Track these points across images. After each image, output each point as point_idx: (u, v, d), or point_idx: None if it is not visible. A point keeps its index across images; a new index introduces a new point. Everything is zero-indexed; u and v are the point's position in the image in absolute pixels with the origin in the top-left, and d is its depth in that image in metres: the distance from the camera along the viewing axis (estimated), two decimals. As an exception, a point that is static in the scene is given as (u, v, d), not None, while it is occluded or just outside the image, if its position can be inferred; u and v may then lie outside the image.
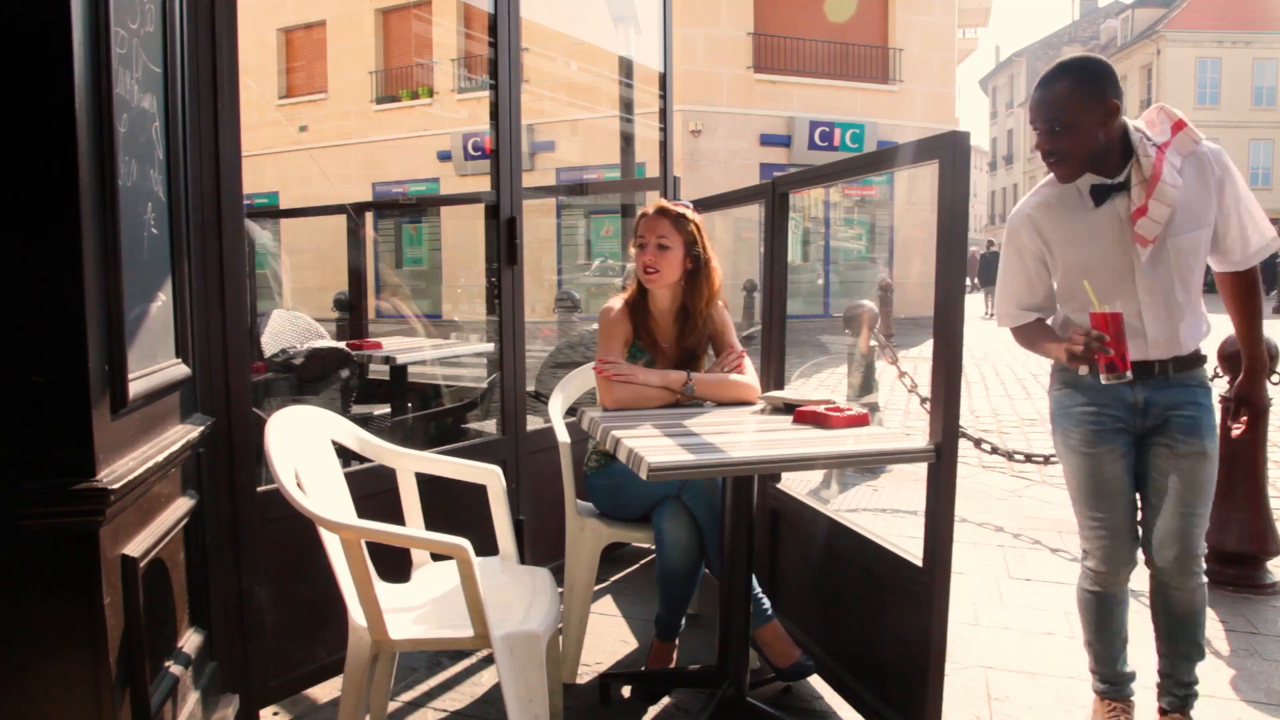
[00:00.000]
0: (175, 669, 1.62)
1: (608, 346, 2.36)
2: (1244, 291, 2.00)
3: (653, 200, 2.53)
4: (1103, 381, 1.86)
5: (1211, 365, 2.36)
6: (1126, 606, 2.11)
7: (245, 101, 1.95)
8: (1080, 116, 1.86)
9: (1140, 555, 2.05)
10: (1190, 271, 1.92)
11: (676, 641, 2.42)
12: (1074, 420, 2.03)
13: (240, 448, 2.01)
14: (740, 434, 1.96)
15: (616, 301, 2.46)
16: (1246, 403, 2.08)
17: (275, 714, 2.21)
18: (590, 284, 14.48)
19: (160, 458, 1.49)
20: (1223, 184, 1.91)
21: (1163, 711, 2.09)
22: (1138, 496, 2.04)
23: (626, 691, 2.36)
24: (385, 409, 4.27)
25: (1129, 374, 1.84)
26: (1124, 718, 2.09)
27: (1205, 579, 2.01)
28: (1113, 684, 2.12)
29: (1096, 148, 1.89)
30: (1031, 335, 2.09)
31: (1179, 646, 2.05)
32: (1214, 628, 2.77)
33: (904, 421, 6.79)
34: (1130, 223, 1.90)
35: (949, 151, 1.77)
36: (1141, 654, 2.18)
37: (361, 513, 2.01)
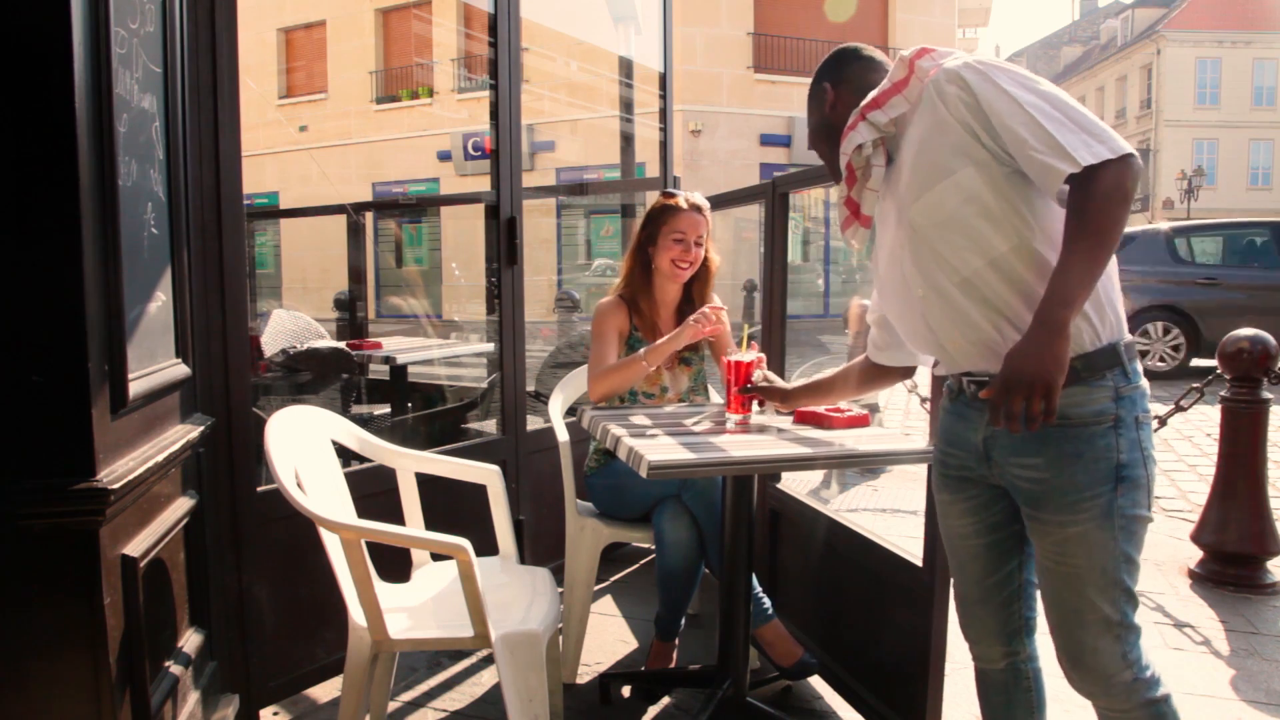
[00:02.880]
0: (175, 669, 1.61)
1: (601, 341, 2.40)
2: (1068, 217, 1.29)
3: (657, 195, 2.54)
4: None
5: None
6: (1029, 694, 1.65)
7: (245, 101, 1.95)
8: (811, 113, 1.64)
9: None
10: (952, 246, 1.37)
11: (676, 641, 2.42)
12: (935, 453, 1.63)
13: (240, 448, 2.01)
14: (740, 434, 1.96)
15: (610, 296, 2.49)
16: (1004, 379, 1.27)
17: (275, 714, 2.21)
18: (590, 284, 14.48)
19: (160, 458, 1.48)
20: (966, 99, 1.33)
21: None
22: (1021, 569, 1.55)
23: (626, 691, 2.36)
24: (385, 409, 4.27)
25: (743, 418, 1.98)
26: None
27: (1151, 705, 1.38)
28: None
29: (832, 142, 1.58)
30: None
31: None
32: (1214, 628, 2.78)
33: (904, 421, 6.79)
34: (845, 224, 1.58)
35: (949, 151, 1.77)
36: None
37: (361, 513, 2.01)
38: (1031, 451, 1.38)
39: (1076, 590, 1.37)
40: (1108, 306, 1.36)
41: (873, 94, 1.46)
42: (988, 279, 1.36)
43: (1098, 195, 1.24)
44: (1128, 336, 1.40)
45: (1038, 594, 1.52)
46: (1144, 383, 1.41)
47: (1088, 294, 1.28)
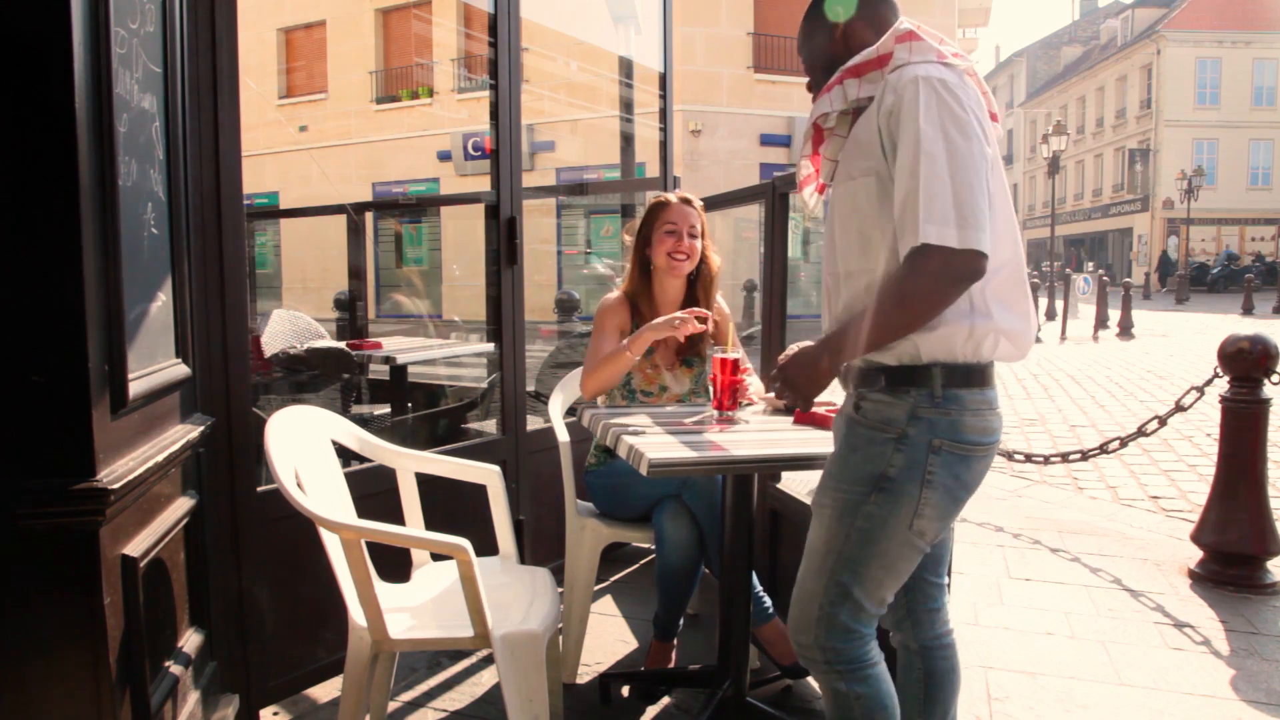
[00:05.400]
0: (175, 669, 1.61)
1: (599, 336, 2.41)
2: (888, 277, 1.34)
3: (653, 194, 2.57)
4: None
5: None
6: (914, 677, 1.63)
7: (245, 101, 1.95)
8: (816, 28, 1.54)
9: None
10: (845, 240, 1.42)
11: (675, 641, 2.42)
12: None
13: (240, 448, 2.01)
14: (740, 433, 1.96)
15: (615, 293, 2.50)
16: (780, 375, 1.48)
17: (275, 714, 2.21)
18: (590, 283, 14.47)
19: (160, 458, 1.48)
20: (895, 115, 1.31)
21: None
22: None
23: (626, 691, 2.36)
24: (385, 409, 4.27)
25: (726, 414, 1.99)
26: None
27: (846, 684, 1.44)
28: None
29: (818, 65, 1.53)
30: None
31: None
32: (1214, 628, 2.78)
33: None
34: (804, 182, 1.61)
35: (949, 151, 1.77)
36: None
37: (361, 513, 2.01)
38: (837, 433, 1.52)
39: (804, 562, 1.49)
40: (946, 326, 1.34)
41: (857, 59, 1.42)
42: (854, 286, 1.43)
43: (918, 273, 1.27)
44: (968, 359, 1.36)
45: (927, 585, 1.62)
46: (971, 417, 1.38)
47: (869, 349, 1.35)
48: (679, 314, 2.27)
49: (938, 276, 1.26)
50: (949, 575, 1.71)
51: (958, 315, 1.34)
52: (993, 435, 1.44)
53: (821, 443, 1.84)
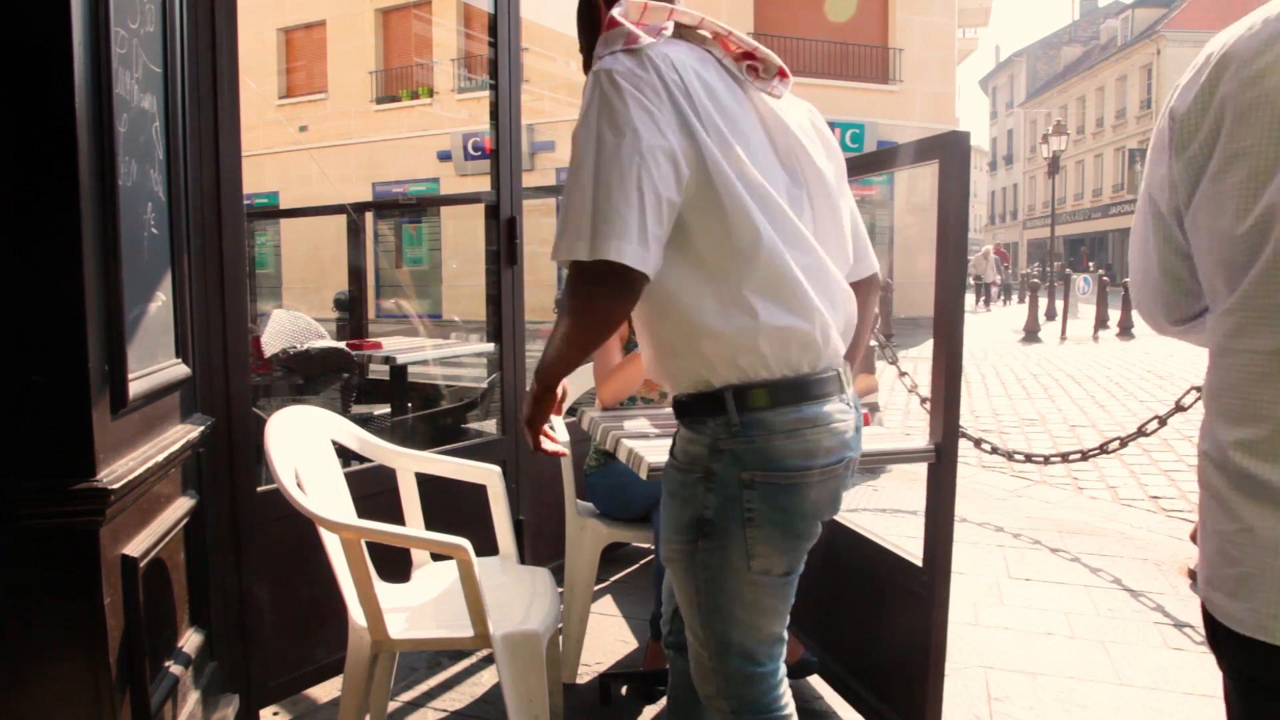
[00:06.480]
0: (175, 669, 1.61)
1: (603, 345, 2.39)
2: None
3: None
4: None
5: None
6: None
7: (245, 101, 1.95)
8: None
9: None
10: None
11: (676, 641, 2.41)
12: None
13: (240, 448, 2.01)
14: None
15: None
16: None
17: (275, 714, 2.21)
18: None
19: (160, 458, 1.48)
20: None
21: None
22: None
23: (626, 691, 2.36)
24: (385, 409, 4.27)
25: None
26: None
27: None
28: None
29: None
30: None
31: None
32: (1214, 628, 2.77)
33: (904, 421, 6.79)
34: None
35: (949, 151, 1.77)
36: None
37: (361, 513, 2.01)
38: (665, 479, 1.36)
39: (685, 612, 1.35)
40: (718, 340, 1.20)
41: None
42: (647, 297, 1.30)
43: (567, 289, 1.17)
44: (762, 375, 1.21)
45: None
46: (784, 441, 1.21)
47: (564, 370, 1.25)
48: None
49: (579, 292, 1.15)
50: None
51: (729, 325, 1.19)
52: (825, 457, 1.25)
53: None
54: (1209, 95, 0.91)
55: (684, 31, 1.27)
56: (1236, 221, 0.89)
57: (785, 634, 1.37)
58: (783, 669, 1.37)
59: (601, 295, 1.14)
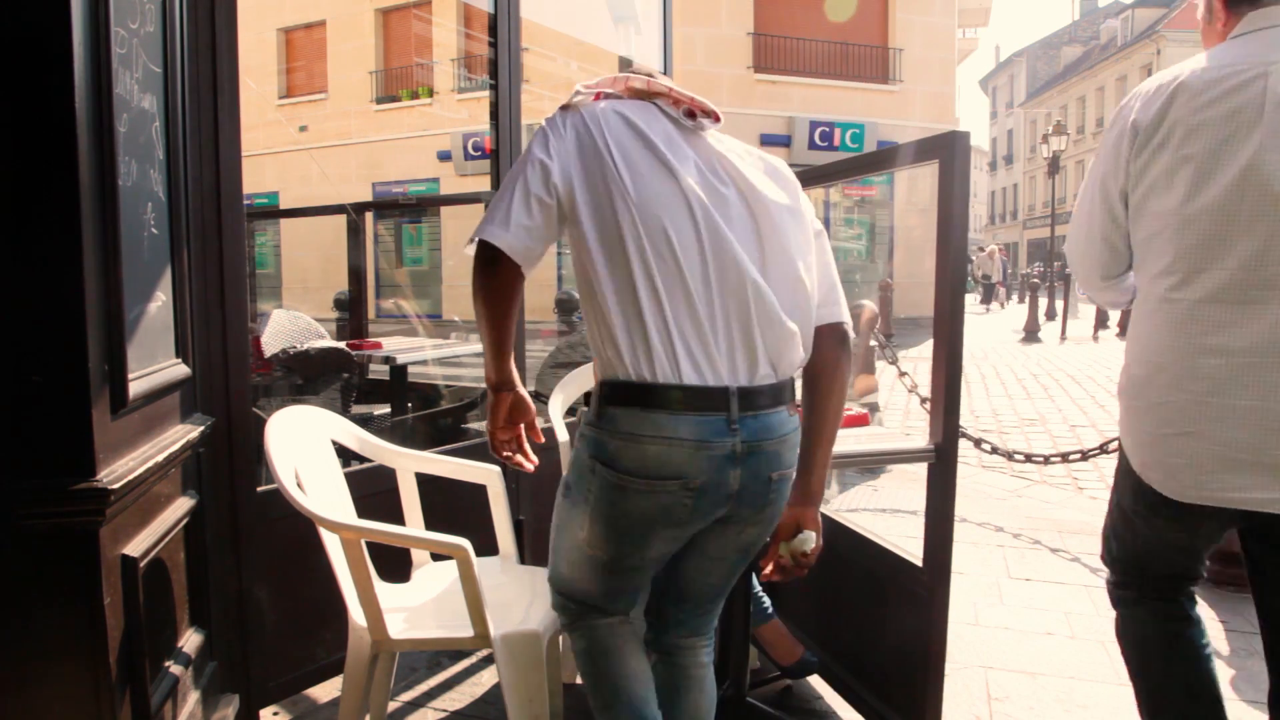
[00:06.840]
0: (175, 669, 1.62)
1: None
2: None
3: None
4: None
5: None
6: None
7: (245, 101, 1.95)
8: None
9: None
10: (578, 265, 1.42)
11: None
12: None
13: (240, 448, 2.01)
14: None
15: None
16: None
17: (275, 714, 2.21)
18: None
19: (160, 458, 1.49)
20: None
21: None
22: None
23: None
24: (385, 409, 4.27)
25: None
26: None
27: (569, 634, 1.60)
28: None
29: None
30: None
31: None
32: (1214, 628, 2.77)
33: (904, 421, 6.79)
34: None
35: (949, 151, 1.77)
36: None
37: (361, 513, 2.01)
38: None
39: None
40: (610, 345, 1.34)
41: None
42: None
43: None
44: (627, 375, 1.31)
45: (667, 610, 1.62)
46: (621, 443, 1.32)
47: (492, 359, 1.45)
48: None
49: (474, 266, 1.38)
50: (721, 613, 1.66)
51: (613, 328, 1.34)
52: (660, 471, 1.30)
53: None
54: (1163, 115, 1.39)
55: (637, 94, 1.49)
56: (1183, 205, 1.38)
57: (622, 600, 1.53)
58: (620, 609, 1.53)
59: (478, 270, 1.36)
